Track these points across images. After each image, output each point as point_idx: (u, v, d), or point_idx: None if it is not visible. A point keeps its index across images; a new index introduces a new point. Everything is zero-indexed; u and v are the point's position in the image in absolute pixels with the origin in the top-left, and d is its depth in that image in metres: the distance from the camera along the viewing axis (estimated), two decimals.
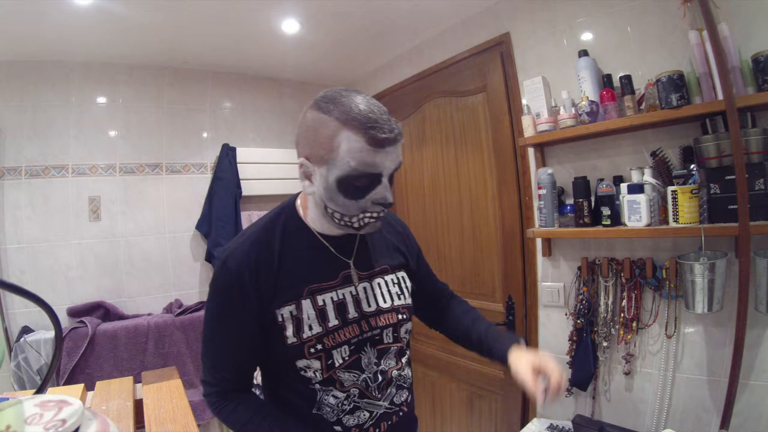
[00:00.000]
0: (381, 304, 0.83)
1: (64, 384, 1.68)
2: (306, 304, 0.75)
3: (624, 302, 1.36)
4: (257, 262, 0.74)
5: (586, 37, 1.47)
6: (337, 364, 0.76)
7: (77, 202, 1.97)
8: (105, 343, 1.79)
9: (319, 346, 0.75)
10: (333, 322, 0.77)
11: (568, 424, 1.48)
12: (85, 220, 1.98)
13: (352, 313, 0.79)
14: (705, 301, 1.12)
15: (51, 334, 1.74)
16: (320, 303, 0.76)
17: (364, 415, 0.78)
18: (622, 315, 1.37)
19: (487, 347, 0.89)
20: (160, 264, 2.15)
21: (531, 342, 1.69)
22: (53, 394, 0.44)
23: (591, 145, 1.46)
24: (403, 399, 0.85)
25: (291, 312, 0.74)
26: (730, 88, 1.06)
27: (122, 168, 2.08)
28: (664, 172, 1.26)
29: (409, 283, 0.91)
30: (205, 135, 2.31)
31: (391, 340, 0.83)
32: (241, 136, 2.41)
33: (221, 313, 0.75)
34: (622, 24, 1.37)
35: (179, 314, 1.98)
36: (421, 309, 1.01)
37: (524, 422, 1.67)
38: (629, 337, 1.36)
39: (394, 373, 0.83)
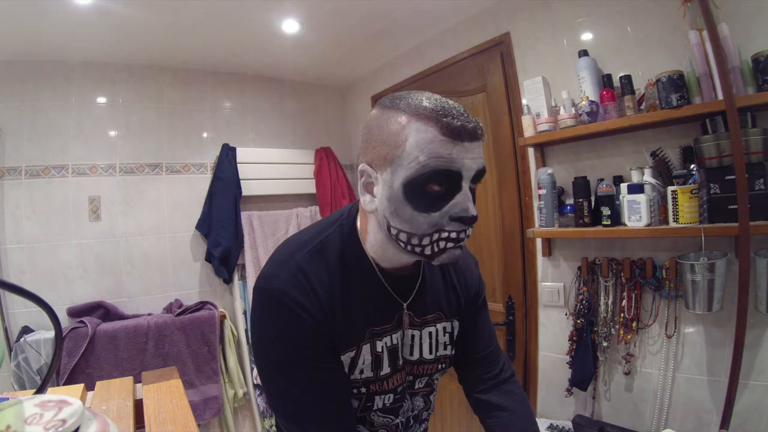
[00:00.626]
0: (425, 354, 0.73)
1: (64, 384, 1.68)
2: (365, 348, 0.65)
3: (624, 302, 1.36)
4: (319, 291, 0.61)
5: (586, 37, 1.47)
6: (375, 408, 0.69)
7: (77, 202, 1.97)
8: (105, 343, 1.79)
9: (363, 390, 0.67)
10: (386, 369, 0.67)
11: (568, 424, 1.48)
12: (85, 220, 1.98)
13: (400, 359, 0.70)
14: (705, 301, 1.12)
15: (51, 334, 1.74)
16: (378, 349, 0.66)
17: None
18: (622, 315, 1.37)
19: None
20: (160, 264, 2.15)
21: (531, 342, 1.69)
22: (53, 394, 0.44)
23: (591, 145, 1.46)
24: (422, 429, 0.82)
25: (350, 357, 0.65)
26: (730, 88, 1.06)
27: (122, 168, 2.08)
28: (664, 172, 1.26)
29: (458, 332, 0.78)
30: (205, 135, 2.31)
31: (422, 386, 0.76)
32: (241, 136, 2.41)
33: (295, 348, 0.60)
34: (622, 24, 1.37)
35: (179, 314, 1.98)
36: (458, 366, 0.83)
37: None
38: (629, 337, 1.36)
39: (425, 414, 0.79)
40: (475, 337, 0.80)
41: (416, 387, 0.74)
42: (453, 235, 0.57)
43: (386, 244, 0.63)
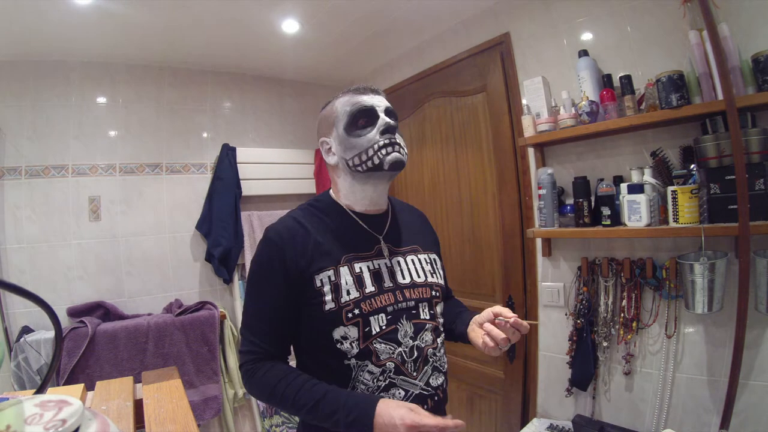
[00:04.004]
0: (415, 278, 0.87)
1: (64, 384, 1.68)
2: (344, 270, 0.80)
3: (624, 302, 1.36)
4: (294, 231, 0.81)
5: (586, 37, 1.47)
6: (374, 332, 0.78)
7: (77, 202, 1.97)
8: (105, 343, 1.79)
9: (357, 311, 0.78)
10: (370, 288, 0.80)
11: (568, 424, 1.48)
12: (85, 220, 1.98)
13: (387, 282, 0.83)
14: (705, 301, 1.12)
15: (51, 334, 1.74)
16: (357, 270, 0.81)
17: (399, 393, 0.78)
18: (622, 315, 1.37)
19: (458, 332, 0.91)
20: (160, 264, 2.15)
21: (531, 342, 1.69)
22: (53, 394, 0.44)
23: (591, 145, 1.46)
24: (439, 383, 0.84)
25: (329, 277, 0.78)
26: (730, 88, 1.06)
27: (122, 168, 2.08)
28: (664, 172, 1.26)
29: (440, 265, 0.96)
30: (205, 135, 2.31)
31: (427, 317, 0.85)
32: (241, 136, 2.41)
33: (259, 280, 0.81)
34: (622, 24, 1.37)
35: (179, 314, 1.98)
36: None
37: (524, 422, 1.67)
38: (629, 337, 1.36)
39: (430, 351, 0.84)
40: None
41: (422, 316, 0.84)
42: (387, 140, 0.81)
43: (353, 186, 0.87)
